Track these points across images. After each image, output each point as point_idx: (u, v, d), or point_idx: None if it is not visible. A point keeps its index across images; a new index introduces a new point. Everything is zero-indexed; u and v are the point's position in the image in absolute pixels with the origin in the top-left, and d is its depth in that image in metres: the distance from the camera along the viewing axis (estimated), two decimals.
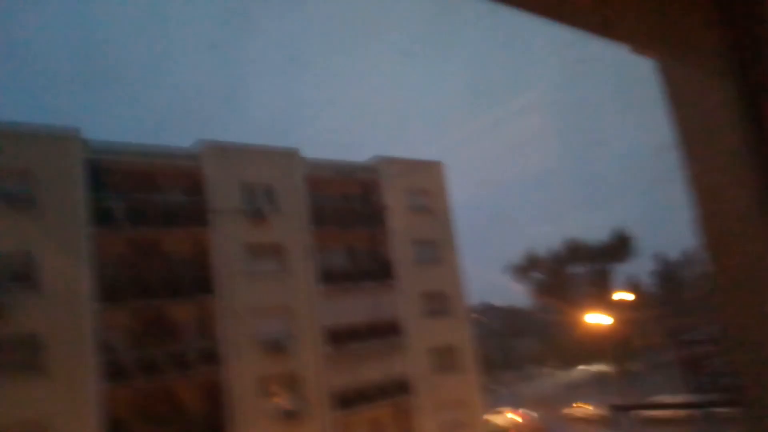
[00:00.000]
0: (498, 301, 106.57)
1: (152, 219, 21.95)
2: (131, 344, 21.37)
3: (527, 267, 61.95)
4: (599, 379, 62.91)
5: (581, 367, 67.76)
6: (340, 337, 25.78)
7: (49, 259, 19.36)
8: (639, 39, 1.93)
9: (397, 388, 27.06)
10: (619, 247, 57.42)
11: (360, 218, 28.17)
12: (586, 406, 50.20)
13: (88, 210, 20.51)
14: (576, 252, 59.48)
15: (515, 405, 49.14)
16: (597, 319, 31.83)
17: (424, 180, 31.14)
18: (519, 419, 44.68)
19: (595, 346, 50.23)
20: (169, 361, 21.05)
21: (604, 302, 43.22)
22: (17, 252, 19.03)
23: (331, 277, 26.39)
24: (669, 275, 75.74)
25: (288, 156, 26.35)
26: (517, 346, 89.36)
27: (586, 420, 48.49)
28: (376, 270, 28.10)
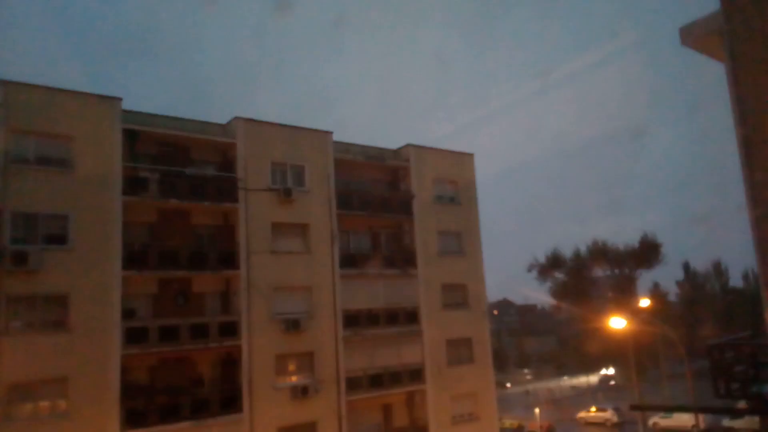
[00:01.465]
0: (517, 298, 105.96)
1: (183, 191, 22.27)
2: (154, 311, 21.84)
3: (550, 267, 61.23)
4: (616, 384, 62.28)
5: (599, 371, 67.13)
6: (359, 321, 25.97)
7: (81, 222, 19.83)
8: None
9: (411, 376, 27.19)
10: (646, 253, 56.34)
11: (387, 205, 28.18)
12: (601, 411, 49.82)
13: (122, 177, 20.91)
14: (601, 255, 58.58)
15: (528, 404, 49.00)
16: (618, 324, 31.40)
17: (454, 171, 30.98)
18: (530, 421, 44.53)
19: (614, 352, 49.67)
20: (189, 331, 21.45)
21: (626, 308, 42.59)
22: (52, 213, 19.52)
23: (354, 261, 26.53)
24: (696, 285, 74.25)
25: (320, 138, 26.44)
26: (533, 345, 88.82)
27: (600, 425, 48.15)
28: (399, 258, 28.15)
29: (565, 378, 74.23)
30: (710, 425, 40.42)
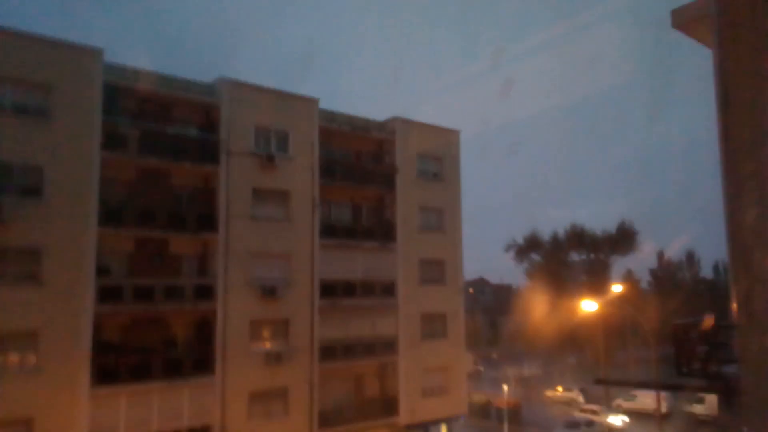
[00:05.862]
0: (493, 277, 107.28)
1: (164, 150, 21.91)
2: (129, 270, 21.65)
3: (528, 248, 62.01)
4: (586, 365, 63.71)
5: (570, 351, 68.45)
6: (335, 292, 26.06)
7: (57, 175, 19.44)
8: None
9: (384, 348, 27.48)
10: (622, 240, 57.27)
11: (370, 177, 28.08)
12: (567, 391, 51.08)
13: (101, 132, 20.47)
14: (578, 239, 59.39)
15: (499, 382, 49.92)
16: (589, 307, 32.00)
17: (439, 146, 30.90)
18: (497, 397, 45.40)
19: (585, 334, 50.73)
20: (164, 292, 21.34)
21: (599, 292, 43.36)
22: (27, 164, 19.09)
23: (333, 231, 26.50)
24: (668, 274, 75.79)
25: (306, 104, 26.11)
26: (507, 324, 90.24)
27: (566, 403, 49.39)
28: (380, 231, 28.17)
29: (539, 357, 75.39)
30: (672, 409, 41.68)
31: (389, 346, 27.69)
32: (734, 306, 1.94)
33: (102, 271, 20.48)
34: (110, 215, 20.58)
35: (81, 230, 19.79)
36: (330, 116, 27.40)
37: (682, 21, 4.31)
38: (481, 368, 60.31)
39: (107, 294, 20.15)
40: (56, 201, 19.37)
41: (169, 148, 21.97)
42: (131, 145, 21.12)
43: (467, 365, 52.44)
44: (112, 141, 20.69)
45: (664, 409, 37.87)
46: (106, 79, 20.73)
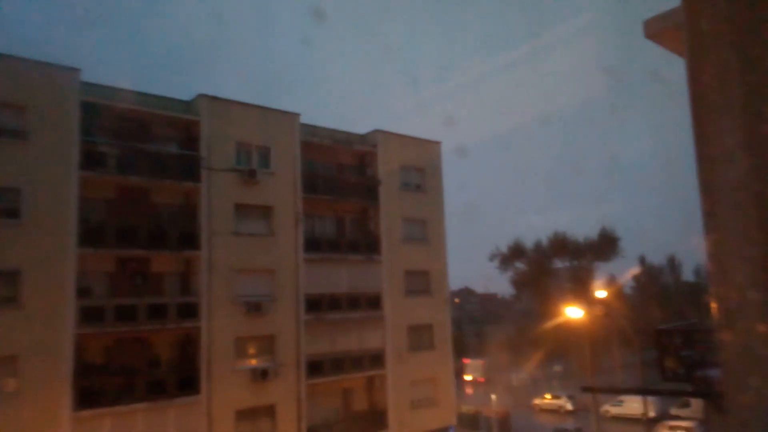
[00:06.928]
0: (478, 287, 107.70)
1: (144, 168, 21.70)
2: (110, 290, 21.33)
3: (512, 256, 62.30)
4: (572, 372, 63.97)
5: (556, 359, 68.67)
6: (321, 306, 25.91)
7: (35, 196, 19.14)
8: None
9: (372, 361, 27.34)
10: (605, 246, 57.86)
11: (353, 190, 28.08)
12: (555, 398, 51.17)
13: (79, 152, 20.23)
14: (562, 246, 59.86)
15: (486, 391, 49.91)
16: (574, 313, 32.16)
17: (421, 158, 31.04)
18: (486, 407, 45.30)
19: (571, 340, 50.96)
20: (147, 312, 21.04)
21: (583, 298, 43.67)
22: (4, 186, 18.78)
23: (317, 245, 26.40)
24: (651, 279, 76.67)
25: (287, 119, 26.08)
26: (493, 333, 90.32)
27: (554, 411, 49.47)
28: (364, 243, 28.14)
29: (525, 365, 75.54)
30: (659, 414, 41.91)
31: (376, 358, 27.56)
32: (713, 309, 1.97)
33: (83, 291, 20.14)
34: (90, 235, 20.29)
35: (60, 251, 19.48)
36: (311, 130, 27.40)
37: (654, 31, 4.39)
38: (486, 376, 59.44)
39: (88, 315, 19.81)
40: (34, 222, 19.06)
41: (149, 166, 21.77)
42: (110, 163, 20.90)
43: (482, 373, 52.39)
44: (90, 160, 20.45)
45: (651, 413, 38.07)
46: (83, 98, 20.52)
